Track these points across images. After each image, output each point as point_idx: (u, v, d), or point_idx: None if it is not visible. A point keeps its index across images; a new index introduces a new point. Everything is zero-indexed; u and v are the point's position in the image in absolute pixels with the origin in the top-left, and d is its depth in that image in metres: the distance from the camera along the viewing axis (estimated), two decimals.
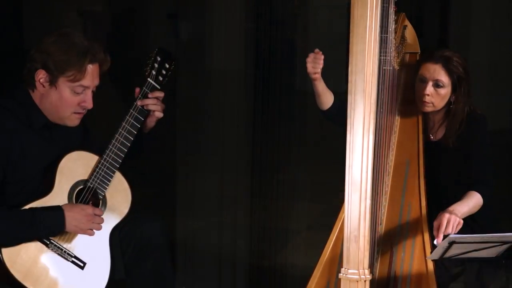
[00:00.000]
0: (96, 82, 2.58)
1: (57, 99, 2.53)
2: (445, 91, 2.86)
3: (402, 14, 3.08)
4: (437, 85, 2.85)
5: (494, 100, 7.45)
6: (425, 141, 2.94)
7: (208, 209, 5.15)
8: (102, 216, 2.58)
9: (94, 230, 2.56)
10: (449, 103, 2.89)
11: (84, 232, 2.53)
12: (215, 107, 11.22)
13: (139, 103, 2.64)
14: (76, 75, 2.51)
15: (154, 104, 2.65)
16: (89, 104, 2.58)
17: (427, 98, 2.85)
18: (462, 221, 2.64)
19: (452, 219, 2.60)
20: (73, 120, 2.59)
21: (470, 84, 2.89)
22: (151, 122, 2.72)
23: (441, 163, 2.88)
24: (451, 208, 2.67)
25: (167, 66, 2.68)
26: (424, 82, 2.86)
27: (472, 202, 2.76)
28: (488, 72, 7.50)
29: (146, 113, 2.66)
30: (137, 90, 2.66)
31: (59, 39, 2.52)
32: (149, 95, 2.65)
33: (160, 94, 2.67)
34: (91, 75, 2.54)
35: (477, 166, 2.86)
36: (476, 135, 2.87)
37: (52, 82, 2.51)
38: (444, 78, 2.84)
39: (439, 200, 2.86)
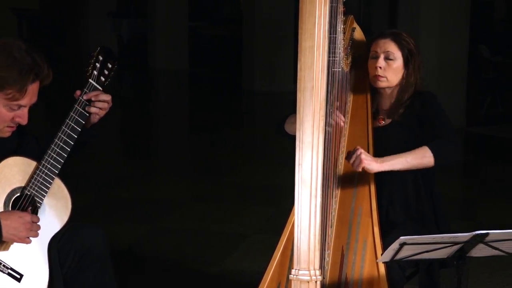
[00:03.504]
0: (34, 100, 2.52)
1: None
2: (397, 64, 2.92)
3: (350, 16, 3.13)
4: (388, 58, 2.92)
5: (443, 98, 7.60)
6: (380, 127, 2.99)
7: (152, 213, 5.12)
8: (40, 225, 2.53)
9: (32, 239, 2.51)
10: (402, 80, 2.95)
11: (22, 241, 2.49)
12: (159, 108, 11.20)
13: (84, 97, 2.58)
14: (15, 94, 2.45)
15: (99, 102, 2.60)
16: (24, 120, 2.53)
17: (379, 71, 2.92)
18: (368, 164, 2.69)
19: (362, 156, 2.67)
20: (5, 133, 2.54)
21: (420, 61, 2.96)
22: (94, 119, 2.67)
23: (396, 147, 2.90)
24: (382, 158, 2.75)
25: (109, 66, 2.62)
26: (376, 57, 2.94)
27: (411, 153, 2.75)
28: (438, 70, 7.66)
29: (87, 115, 2.60)
30: (77, 92, 2.61)
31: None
32: (93, 98, 2.60)
33: (107, 98, 2.62)
34: (30, 94, 2.48)
35: (434, 128, 2.86)
36: (428, 109, 2.92)
37: None
38: (394, 50, 2.92)
39: (389, 188, 2.91)
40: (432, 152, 2.75)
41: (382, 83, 2.94)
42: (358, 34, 3.18)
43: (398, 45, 2.92)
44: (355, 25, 3.15)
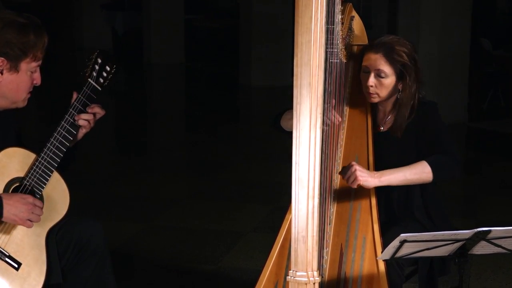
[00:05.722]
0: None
1: (16, 83, 2.54)
2: (389, 81, 2.87)
3: (349, 4, 3.09)
4: (379, 75, 2.86)
5: (444, 93, 7.60)
6: (374, 133, 2.95)
7: (148, 211, 5.12)
8: (42, 210, 2.55)
9: (31, 230, 2.53)
10: (397, 91, 2.90)
11: (22, 222, 2.50)
12: (154, 103, 11.18)
13: (77, 103, 2.63)
14: (36, 54, 2.55)
15: (88, 119, 2.64)
16: (39, 81, 2.63)
17: (371, 89, 2.88)
18: (365, 181, 2.66)
19: (357, 172, 2.63)
20: (25, 101, 2.63)
21: (418, 71, 2.89)
22: (80, 134, 2.70)
23: (390, 156, 2.88)
24: (380, 172, 2.72)
25: (108, 68, 2.68)
26: (367, 72, 2.89)
27: (410, 168, 2.72)
28: (439, 64, 7.66)
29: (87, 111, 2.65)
30: (75, 94, 2.65)
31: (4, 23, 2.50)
32: (89, 110, 2.63)
33: (101, 112, 2.68)
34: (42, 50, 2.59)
35: (434, 142, 2.81)
36: (428, 121, 2.87)
37: (13, 67, 2.52)
38: (386, 68, 2.85)
39: (388, 194, 2.89)
40: (431, 167, 2.73)
41: (375, 99, 2.90)
42: (357, 22, 3.14)
43: (389, 62, 2.84)
44: (354, 13, 3.12)
